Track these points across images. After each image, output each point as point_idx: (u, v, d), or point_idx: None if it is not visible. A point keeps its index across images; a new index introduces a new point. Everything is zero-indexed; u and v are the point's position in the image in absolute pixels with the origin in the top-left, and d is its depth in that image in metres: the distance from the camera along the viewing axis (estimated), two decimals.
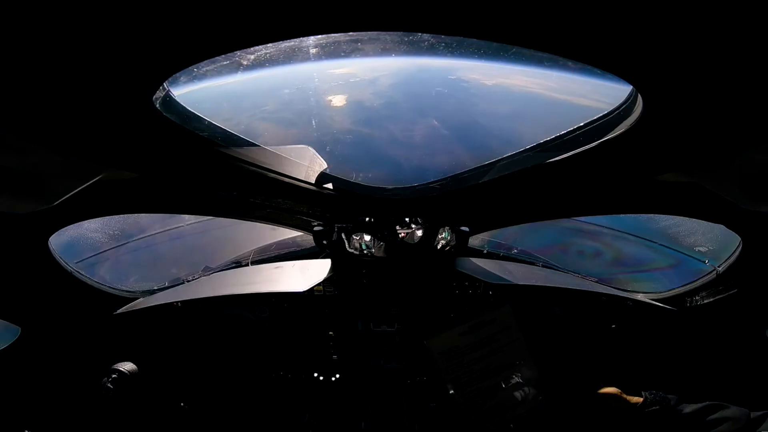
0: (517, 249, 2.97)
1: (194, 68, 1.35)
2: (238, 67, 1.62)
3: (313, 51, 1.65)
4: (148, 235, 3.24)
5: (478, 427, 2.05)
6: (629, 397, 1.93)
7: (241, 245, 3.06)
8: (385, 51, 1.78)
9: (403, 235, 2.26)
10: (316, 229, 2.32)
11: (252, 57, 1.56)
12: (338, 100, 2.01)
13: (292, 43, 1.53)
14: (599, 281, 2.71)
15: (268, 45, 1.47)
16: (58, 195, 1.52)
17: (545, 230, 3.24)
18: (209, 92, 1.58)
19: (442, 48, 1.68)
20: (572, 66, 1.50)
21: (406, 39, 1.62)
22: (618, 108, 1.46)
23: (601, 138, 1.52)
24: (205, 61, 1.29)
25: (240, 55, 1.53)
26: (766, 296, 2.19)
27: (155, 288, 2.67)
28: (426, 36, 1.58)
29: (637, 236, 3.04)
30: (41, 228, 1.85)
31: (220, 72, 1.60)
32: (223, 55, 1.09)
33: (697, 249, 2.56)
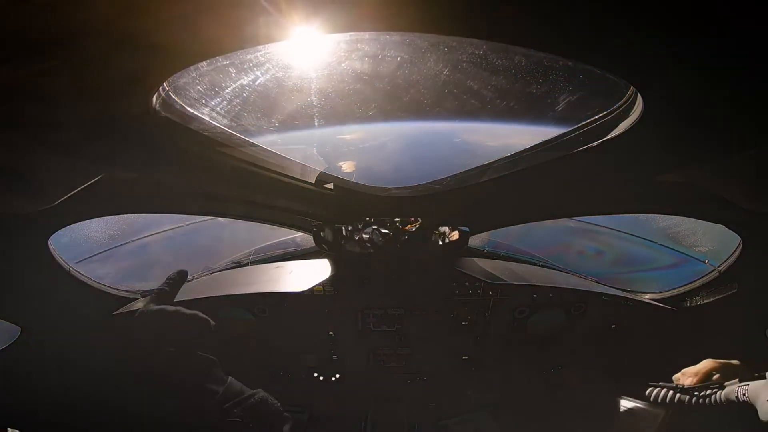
0: (517, 249, 2.97)
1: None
2: (254, 131, 1.68)
3: (322, 117, 1.71)
4: (149, 235, 3.24)
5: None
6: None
7: (241, 245, 3.07)
8: (391, 116, 1.83)
9: (403, 234, 2.26)
10: (316, 229, 2.32)
11: (267, 121, 1.62)
12: (348, 166, 2.08)
13: (306, 105, 1.57)
14: (599, 281, 2.71)
15: (281, 112, 1.51)
16: (58, 195, 1.52)
17: (545, 230, 3.24)
18: None
19: (446, 112, 1.74)
20: (567, 121, 1.56)
21: (411, 103, 1.67)
22: (618, 108, 1.46)
23: (601, 138, 1.52)
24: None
25: (256, 119, 1.58)
26: (766, 296, 2.19)
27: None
28: (430, 99, 1.63)
29: (637, 236, 3.04)
30: (41, 228, 1.84)
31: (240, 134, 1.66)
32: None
33: (697, 249, 2.55)
